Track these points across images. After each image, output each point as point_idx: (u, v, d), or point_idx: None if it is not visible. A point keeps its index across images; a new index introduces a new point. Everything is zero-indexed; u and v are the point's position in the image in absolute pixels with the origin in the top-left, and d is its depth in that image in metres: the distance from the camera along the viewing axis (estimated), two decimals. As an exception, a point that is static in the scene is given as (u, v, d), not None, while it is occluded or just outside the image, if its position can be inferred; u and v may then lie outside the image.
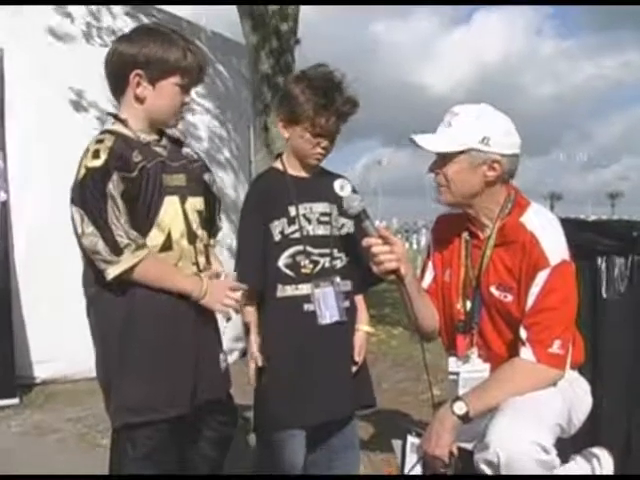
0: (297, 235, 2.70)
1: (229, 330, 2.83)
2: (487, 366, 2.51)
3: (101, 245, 2.23)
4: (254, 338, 2.72)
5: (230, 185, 6.97)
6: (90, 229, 2.23)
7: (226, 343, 2.73)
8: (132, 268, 2.25)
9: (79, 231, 2.26)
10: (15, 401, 5.17)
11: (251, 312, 2.73)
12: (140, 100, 2.39)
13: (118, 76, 2.40)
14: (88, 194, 2.25)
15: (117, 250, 2.23)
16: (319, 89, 2.65)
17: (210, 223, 2.62)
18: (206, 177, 2.60)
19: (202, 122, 6.80)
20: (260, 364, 2.67)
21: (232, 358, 2.85)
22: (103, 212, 2.23)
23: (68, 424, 4.73)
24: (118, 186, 2.25)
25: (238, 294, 2.47)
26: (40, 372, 5.57)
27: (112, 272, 2.24)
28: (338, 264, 2.75)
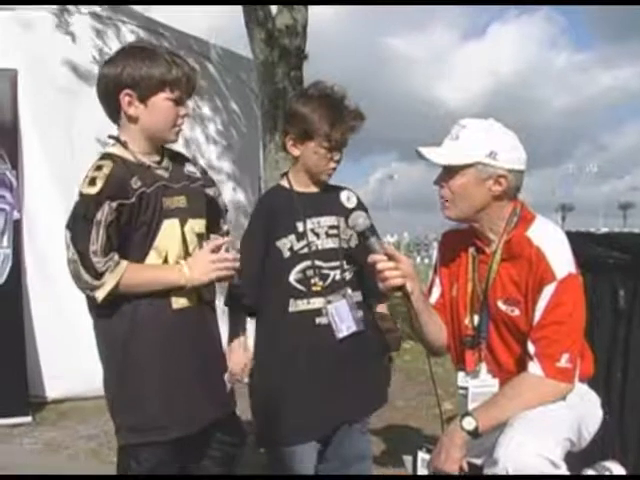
0: (306, 250, 2.72)
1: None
2: (496, 381, 2.49)
3: (83, 273, 2.25)
4: (241, 348, 2.75)
5: (240, 202, 7.00)
6: (74, 257, 2.26)
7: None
8: (117, 285, 2.27)
9: (67, 257, 2.29)
10: (28, 419, 5.20)
11: (242, 321, 2.78)
12: (134, 120, 2.39)
13: (108, 100, 2.40)
14: (77, 220, 2.27)
15: (97, 275, 2.24)
16: (330, 105, 2.70)
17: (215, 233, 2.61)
18: (210, 192, 2.60)
19: (212, 138, 6.84)
20: (246, 380, 2.73)
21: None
22: (86, 239, 2.24)
23: (80, 441, 4.76)
24: (108, 215, 2.25)
25: (224, 253, 2.44)
26: (52, 390, 5.60)
27: (100, 295, 2.26)
28: (348, 276, 2.78)
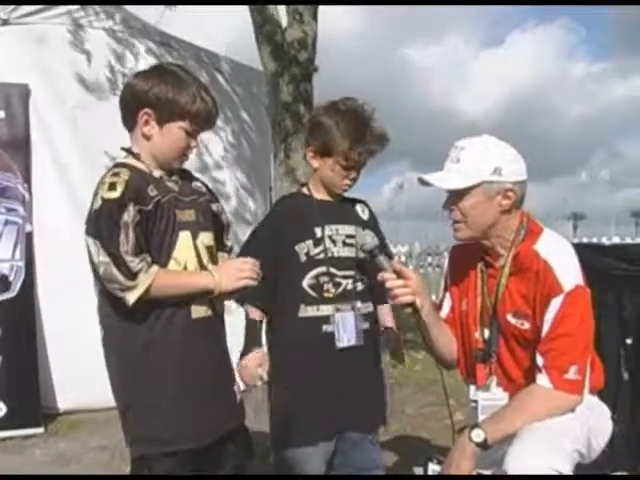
0: (322, 256, 2.75)
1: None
2: (506, 395, 2.50)
3: (116, 273, 2.25)
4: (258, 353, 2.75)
5: (249, 211, 7.02)
6: (106, 259, 2.25)
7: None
8: (149, 287, 2.27)
9: (95, 261, 2.29)
10: (40, 430, 5.23)
11: (259, 330, 2.79)
12: (147, 137, 2.42)
13: (129, 111, 2.44)
14: (103, 224, 2.27)
15: (132, 275, 2.25)
16: (354, 123, 2.70)
17: (220, 250, 2.62)
18: (214, 207, 2.61)
19: (222, 151, 6.86)
20: (266, 379, 2.70)
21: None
22: (116, 241, 2.25)
23: (92, 453, 4.77)
24: (134, 217, 2.27)
25: (252, 264, 2.45)
26: (64, 401, 5.62)
27: (132, 297, 2.26)
28: (359, 286, 2.80)
